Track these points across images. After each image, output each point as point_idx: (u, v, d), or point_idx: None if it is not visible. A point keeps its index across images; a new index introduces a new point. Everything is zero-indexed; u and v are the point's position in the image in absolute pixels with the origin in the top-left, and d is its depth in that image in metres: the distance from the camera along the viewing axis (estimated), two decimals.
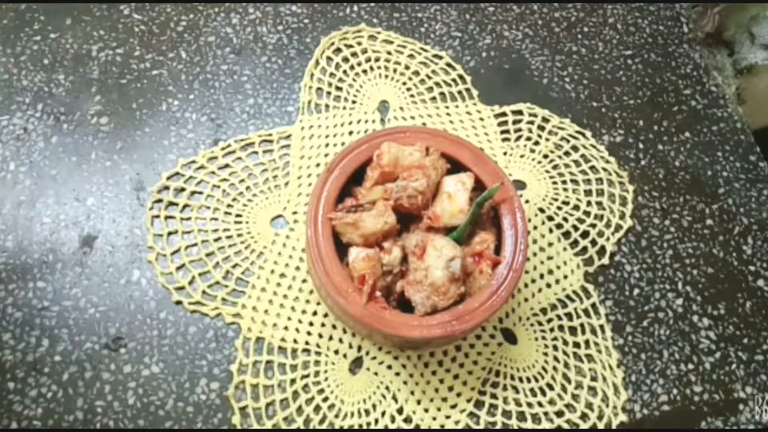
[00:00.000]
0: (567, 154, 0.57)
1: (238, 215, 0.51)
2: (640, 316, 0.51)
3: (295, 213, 0.51)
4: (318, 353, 0.47)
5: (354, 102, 0.57)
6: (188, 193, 0.51)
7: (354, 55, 0.59)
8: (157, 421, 0.44)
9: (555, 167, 0.56)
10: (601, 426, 0.47)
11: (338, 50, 0.59)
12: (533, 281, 0.51)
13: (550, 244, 0.53)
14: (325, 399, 0.45)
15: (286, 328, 0.47)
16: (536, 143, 0.57)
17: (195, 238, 0.49)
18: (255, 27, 0.59)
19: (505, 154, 0.56)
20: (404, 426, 0.45)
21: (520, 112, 0.58)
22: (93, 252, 0.48)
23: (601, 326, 0.50)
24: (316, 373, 0.46)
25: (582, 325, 0.50)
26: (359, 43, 0.59)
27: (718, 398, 0.49)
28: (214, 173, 0.52)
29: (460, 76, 0.59)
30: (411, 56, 0.60)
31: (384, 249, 0.43)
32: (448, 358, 0.47)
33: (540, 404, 0.47)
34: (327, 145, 0.54)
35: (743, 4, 0.65)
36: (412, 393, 0.46)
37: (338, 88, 0.57)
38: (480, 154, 0.47)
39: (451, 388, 0.47)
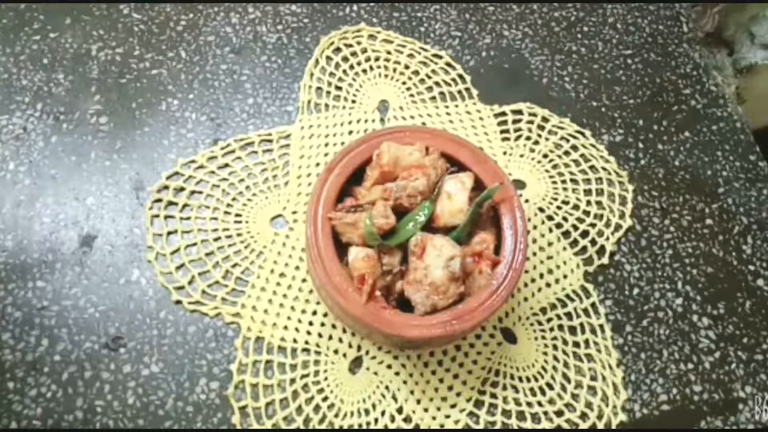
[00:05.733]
0: (567, 153, 0.57)
1: (237, 215, 0.51)
2: (640, 315, 0.51)
3: (294, 213, 0.51)
4: (318, 353, 0.47)
5: (354, 101, 0.57)
6: (188, 192, 0.51)
7: (354, 54, 0.59)
8: (156, 421, 0.44)
9: (555, 167, 0.56)
10: (600, 425, 0.47)
11: (338, 50, 0.59)
12: (533, 281, 0.51)
13: (550, 244, 0.52)
14: (325, 398, 0.45)
15: (285, 327, 0.47)
16: (536, 143, 0.57)
17: (194, 237, 0.49)
18: (254, 26, 0.59)
19: (504, 153, 0.56)
20: (404, 425, 0.45)
21: (519, 112, 0.58)
22: (92, 251, 0.48)
23: (601, 326, 0.50)
24: (316, 373, 0.46)
25: (582, 324, 0.50)
26: (359, 43, 0.59)
27: (718, 398, 0.49)
28: (214, 173, 0.52)
29: (460, 76, 0.59)
30: (411, 56, 0.60)
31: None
32: (447, 358, 0.47)
33: (540, 404, 0.47)
34: (327, 144, 0.54)
35: (743, 4, 0.65)
36: (412, 392, 0.46)
37: (338, 88, 0.57)
38: (480, 154, 0.47)
39: (450, 388, 0.47)
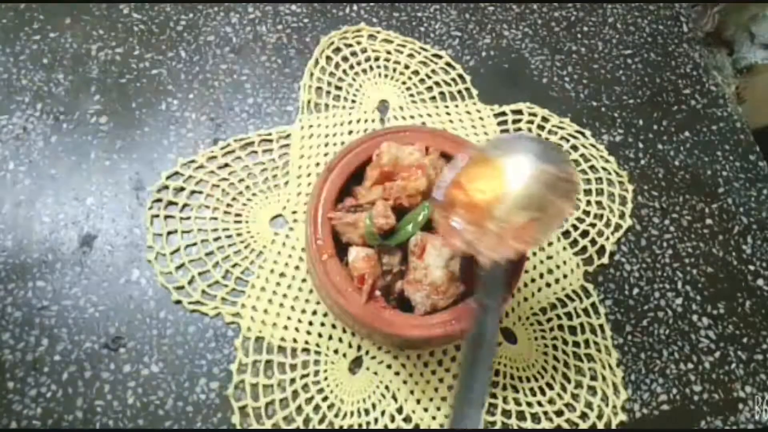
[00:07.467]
0: (567, 153, 0.57)
1: (237, 215, 0.51)
2: (640, 315, 0.51)
3: (294, 212, 0.51)
4: (318, 353, 0.47)
5: (354, 101, 0.57)
6: (188, 192, 0.51)
7: (354, 54, 0.59)
8: (156, 421, 0.44)
9: None
10: (600, 425, 0.47)
11: (338, 49, 0.59)
12: (533, 281, 0.51)
13: (550, 244, 0.52)
14: (325, 398, 0.45)
15: (285, 327, 0.47)
16: None
17: (194, 237, 0.49)
18: (254, 26, 0.59)
19: None
20: (404, 425, 0.45)
21: (519, 112, 0.58)
22: (92, 251, 0.48)
23: (601, 326, 0.50)
24: (316, 373, 0.46)
25: (582, 324, 0.50)
26: (359, 43, 0.59)
27: (718, 398, 0.49)
28: (214, 173, 0.52)
29: (460, 76, 0.59)
30: (411, 56, 0.60)
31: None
32: (447, 358, 0.47)
33: (539, 403, 0.47)
34: (327, 144, 0.54)
35: (743, 4, 0.65)
36: (412, 392, 0.46)
37: (338, 88, 0.57)
38: None
39: (450, 388, 0.47)
